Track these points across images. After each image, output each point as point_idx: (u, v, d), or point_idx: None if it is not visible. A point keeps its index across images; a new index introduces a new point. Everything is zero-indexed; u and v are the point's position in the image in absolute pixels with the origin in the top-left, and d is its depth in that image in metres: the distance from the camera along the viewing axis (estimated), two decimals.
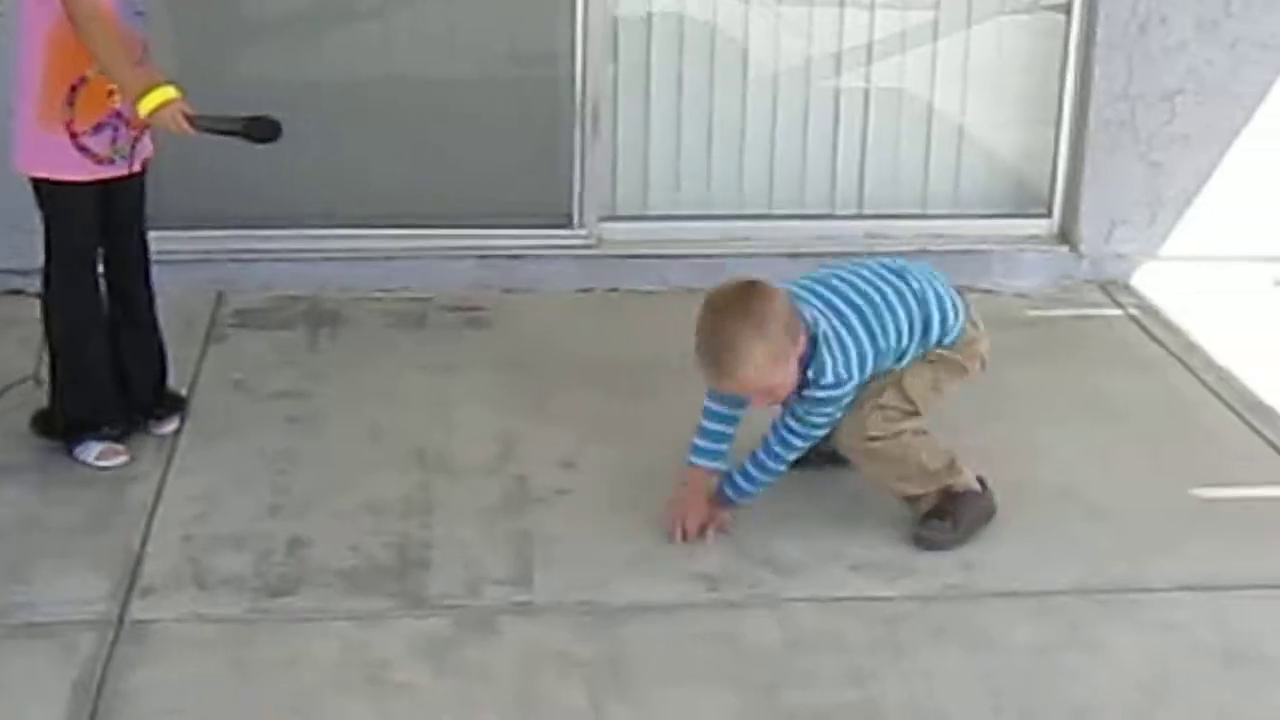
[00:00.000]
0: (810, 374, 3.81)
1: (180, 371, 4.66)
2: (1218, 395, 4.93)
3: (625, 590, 3.81)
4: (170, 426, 4.45)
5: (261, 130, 4.02)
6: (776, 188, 5.77)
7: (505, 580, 3.82)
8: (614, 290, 5.59)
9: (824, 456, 4.14)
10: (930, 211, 5.84)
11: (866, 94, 5.78)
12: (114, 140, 4.08)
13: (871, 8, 5.71)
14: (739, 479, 4.02)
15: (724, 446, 4.03)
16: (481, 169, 5.58)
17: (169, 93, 3.92)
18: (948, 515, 4.04)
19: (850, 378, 3.83)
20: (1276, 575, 3.95)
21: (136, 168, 4.17)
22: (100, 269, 4.26)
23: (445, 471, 4.32)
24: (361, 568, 3.85)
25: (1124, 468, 4.45)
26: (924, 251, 5.61)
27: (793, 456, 3.98)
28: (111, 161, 4.09)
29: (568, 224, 5.61)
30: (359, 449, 4.44)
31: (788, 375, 3.78)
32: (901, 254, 5.48)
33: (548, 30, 5.54)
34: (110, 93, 4.01)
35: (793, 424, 3.92)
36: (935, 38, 5.79)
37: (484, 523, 4.08)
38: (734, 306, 3.78)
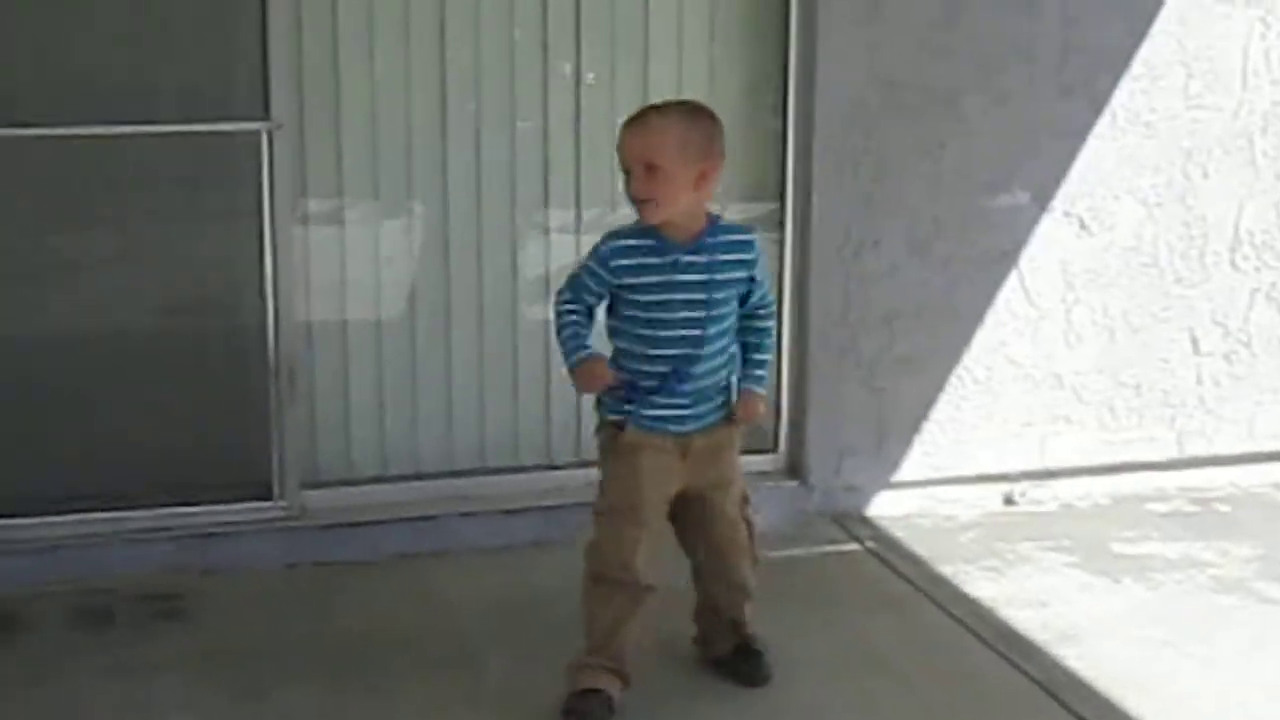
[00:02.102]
0: (722, 229, 4.21)
1: None
2: (972, 631, 4.85)
3: None
4: None
5: None
6: (488, 440, 5.59)
7: None
8: (322, 564, 5.26)
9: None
10: None
11: None
12: None
13: (577, 233, 5.59)
14: (759, 371, 4.34)
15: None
16: (169, 440, 5.25)
17: None
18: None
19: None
20: None
21: None
22: None
23: None
24: None
25: None
26: None
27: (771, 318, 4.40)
28: None
29: (267, 495, 5.29)
30: None
31: (688, 188, 4.06)
32: None
33: (236, 287, 5.29)
34: None
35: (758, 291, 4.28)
36: None
37: None
38: (675, 102, 4.30)
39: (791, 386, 5.72)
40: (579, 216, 5.60)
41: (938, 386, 5.78)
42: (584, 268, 4.23)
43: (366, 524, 5.34)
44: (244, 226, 5.19)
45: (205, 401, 5.33)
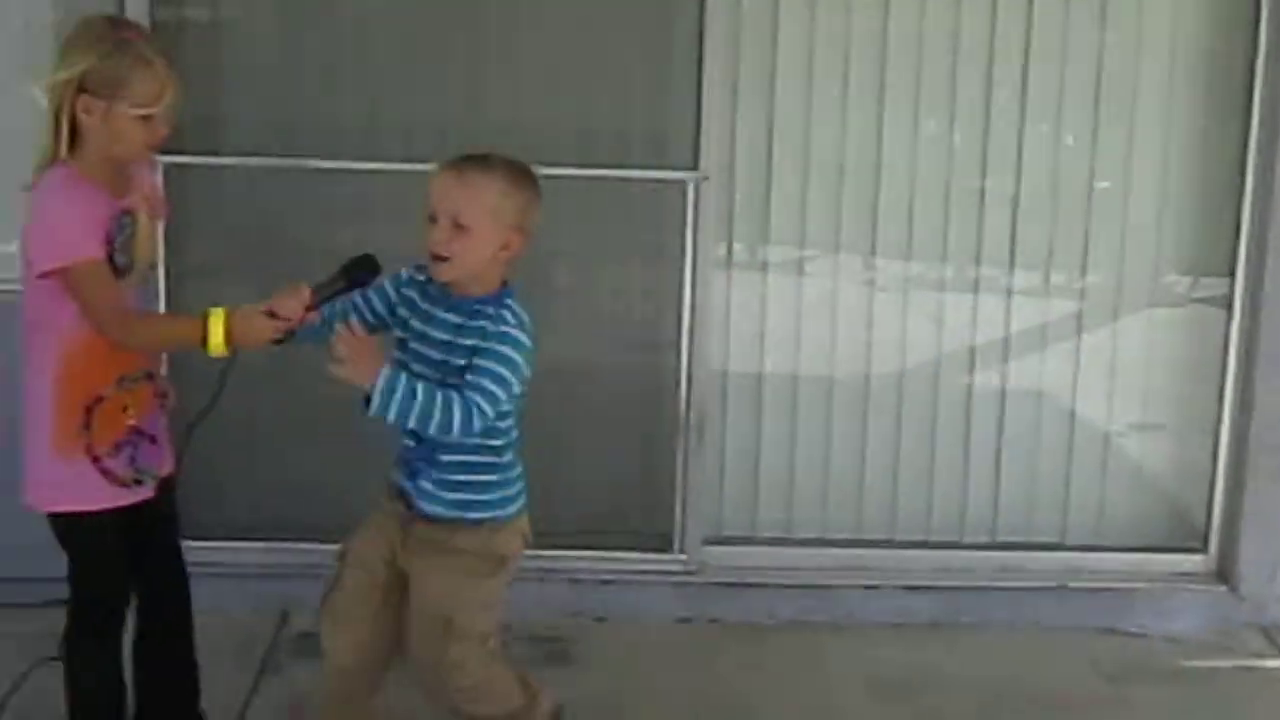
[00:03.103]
0: (502, 305, 3.77)
1: (225, 709, 4.46)
2: None
3: None
4: None
5: (366, 268, 3.79)
6: (900, 512, 5.55)
7: None
8: (715, 622, 5.34)
9: None
10: (1070, 542, 5.57)
11: (1001, 401, 5.57)
12: (133, 460, 3.93)
13: (1007, 296, 5.53)
14: (399, 392, 3.58)
15: None
16: (573, 483, 5.40)
17: (219, 313, 3.73)
18: None
19: (525, 346, 3.75)
20: None
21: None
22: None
23: None
24: None
25: None
26: (1062, 588, 5.38)
27: (451, 413, 3.60)
28: (138, 483, 3.94)
29: (667, 547, 5.39)
30: None
31: (490, 251, 3.73)
32: (1036, 591, 5.37)
33: (653, 333, 5.41)
34: (125, 408, 3.89)
35: (479, 368, 3.67)
36: (1079, 333, 5.60)
37: None
38: (506, 161, 3.83)
39: (1227, 485, 5.49)
40: (1011, 281, 5.52)
41: None
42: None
43: (765, 586, 5.38)
44: (666, 273, 5.32)
45: (612, 444, 5.46)
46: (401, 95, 5.29)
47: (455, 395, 3.62)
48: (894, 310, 5.52)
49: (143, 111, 3.76)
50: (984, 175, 5.46)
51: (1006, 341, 5.58)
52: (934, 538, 5.55)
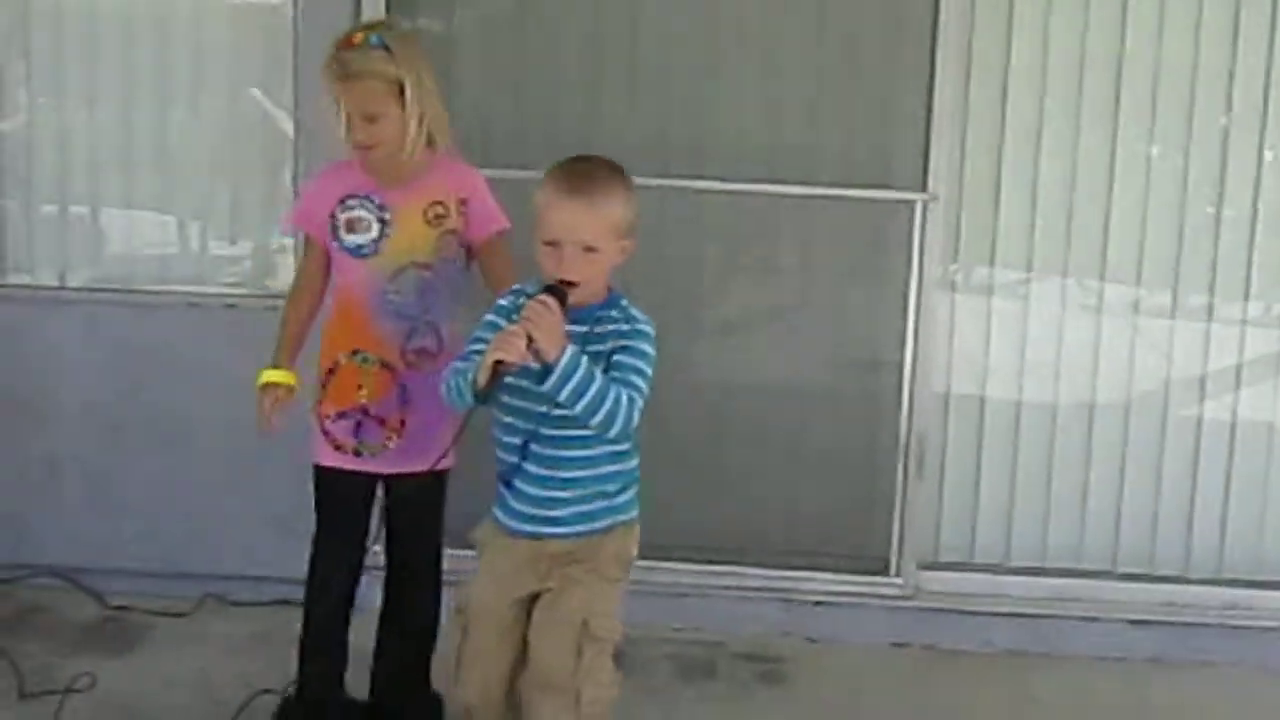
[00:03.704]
0: (620, 307, 3.75)
1: None
2: None
3: None
4: None
5: (559, 295, 3.64)
6: (1122, 543, 5.48)
7: None
8: (930, 647, 5.33)
9: None
10: None
11: (1231, 433, 5.48)
12: (357, 432, 4.17)
13: (1241, 324, 5.45)
14: (580, 372, 3.53)
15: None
16: (789, 502, 5.44)
17: (264, 376, 4.13)
18: None
19: (655, 341, 3.73)
20: None
21: (419, 468, 4.08)
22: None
23: None
24: None
25: None
26: None
27: (619, 405, 3.56)
28: (357, 454, 4.18)
29: (883, 570, 5.39)
30: None
31: (608, 262, 3.70)
32: (1264, 630, 5.27)
33: (874, 353, 5.43)
34: (359, 386, 4.16)
35: (627, 365, 3.65)
36: None
37: None
38: (611, 167, 3.77)
39: None
40: (1246, 311, 5.44)
41: None
42: (482, 322, 3.81)
43: (981, 614, 5.35)
44: (890, 294, 5.34)
45: (830, 465, 5.47)
46: (628, 110, 5.38)
47: (623, 390, 3.60)
48: (1122, 337, 5.47)
49: (338, 111, 4.07)
50: (1220, 203, 5.38)
51: (1238, 371, 5.50)
52: (1157, 571, 5.47)
